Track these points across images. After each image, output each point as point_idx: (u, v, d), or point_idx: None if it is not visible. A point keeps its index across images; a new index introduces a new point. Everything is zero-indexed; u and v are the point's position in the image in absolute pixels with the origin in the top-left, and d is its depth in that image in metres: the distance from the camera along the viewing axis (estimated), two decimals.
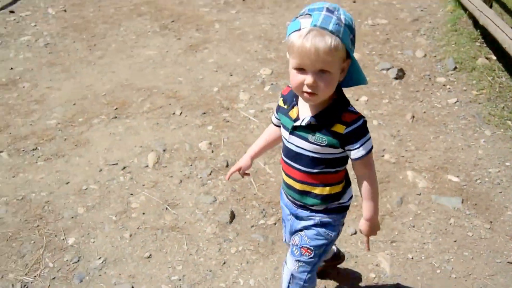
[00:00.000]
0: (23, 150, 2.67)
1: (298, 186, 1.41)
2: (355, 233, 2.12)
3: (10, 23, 4.24)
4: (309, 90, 1.23)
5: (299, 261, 1.52)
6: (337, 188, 1.44)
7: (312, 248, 1.50)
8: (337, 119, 1.30)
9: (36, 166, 2.55)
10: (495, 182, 2.41)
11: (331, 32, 1.16)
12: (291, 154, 1.38)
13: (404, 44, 3.75)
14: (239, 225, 2.19)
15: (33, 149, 2.69)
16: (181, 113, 2.94)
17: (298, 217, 1.50)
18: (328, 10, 1.19)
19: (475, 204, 2.28)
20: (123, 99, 3.13)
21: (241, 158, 1.57)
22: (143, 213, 2.25)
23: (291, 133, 1.35)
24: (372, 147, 1.35)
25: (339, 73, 1.24)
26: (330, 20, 1.17)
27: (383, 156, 2.61)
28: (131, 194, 2.35)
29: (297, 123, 1.33)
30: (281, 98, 1.41)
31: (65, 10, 4.48)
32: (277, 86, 3.23)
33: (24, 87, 3.29)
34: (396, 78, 3.31)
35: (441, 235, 2.13)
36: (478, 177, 2.44)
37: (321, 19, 1.17)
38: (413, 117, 2.90)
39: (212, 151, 2.64)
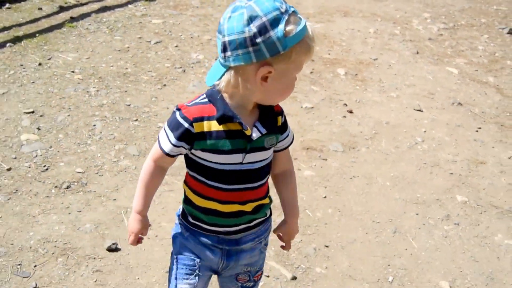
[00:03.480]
0: None
1: (249, 207, 1.40)
2: None
3: None
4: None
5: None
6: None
7: (262, 269, 1.59)
8: (275, 112, 1.38)
9: None
10: None
11: None
12: (248, 176, 1.35)
13: None
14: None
15: None
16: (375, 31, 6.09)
17: (235, 252, 1.47)
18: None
19: None
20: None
21: (132, 222, 1.43)
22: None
23: (248, 151, 1.32)
24: None
25: None
26: None
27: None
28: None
29: (256, 136, 1.30)
30: (202, 122, 1.28)
31: None
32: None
33: None
34: (508, 33, 6.29)
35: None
36: None
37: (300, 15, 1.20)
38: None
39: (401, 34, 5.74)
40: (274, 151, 1.45)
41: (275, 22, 1.16)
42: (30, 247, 2.38)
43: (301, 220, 2.73)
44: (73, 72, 3.88)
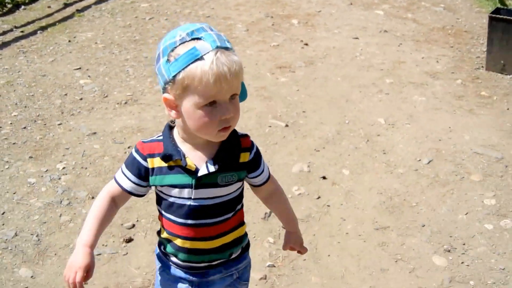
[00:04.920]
0: None
1: (215, 243, 1.44)
2: None
3: None
4: (227, 125, 1.27)
5: None
6: (244, 224, 1.54)
7: None
8: (240, 148, 1.40)
9: None
10: None
11: (231, 49, 1.23)
12: (202, 212, 1.39)
13: None
14: None
15: None
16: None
17: (206, 284, 1.53)
18: (210, 28, 1.25)
19: None
20: None
21: (79, 256, 1.29)
22: None
23: (196, 187, 1.36)
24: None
25: None
26: (222, 37, 1.24)
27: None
28: None
29: (202, 173, 1.34)
30: (153, 159, 1.37)
31: None
32: None
33: None
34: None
35: None
36: None
37: (217, 39, 1.21)
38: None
39: None
40: (254, 186, 1.53)
41: (165, 51, 1.23)
42: (117, 131, 3.92)
43: (285, 104, 4.37)
44: (96, 43, 5.41)
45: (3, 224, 2.93)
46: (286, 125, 3.99)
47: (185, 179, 1.37)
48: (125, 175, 1.42)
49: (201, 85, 1.20)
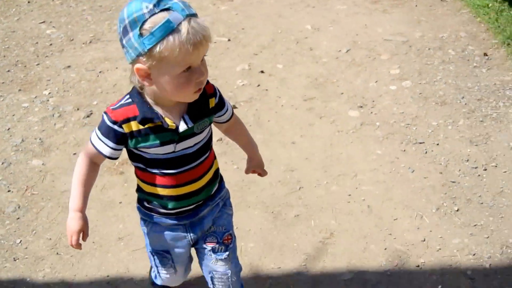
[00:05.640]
0: None
1: (200, 183, 1.59)
2: None
3: None
4: (201, 86, 1.39)
5: (228, 255, 1.72)
6: (216, 157, 1.70)
7: (230, 231, 1.74)
8: (206, 96, 1.52)
9: None
10: None
11: (197, 14, 1.31)
12: (185, 160, 1.53)
13: None
14: None
15: None
16: None
17: (198, 221, 1.68)
18: None
19: None
20: None
21: (73, 221, 1.46)
22: None
23: (178, 141, 1.48)
24: None
25: None
26: (186, 4, 1.30)
27: None
28: None
29: (182, 129, 1.46)
30: (129, 123, 1.44)
31: None
32: None
33: None
34: None
35: None
36: None
37: (184, 7, 1.28)
38: None
39: None
40: (218, 123, 1.67)
41: (134, 24, 1.27)
42: (87, 62, 4.73)
43: (227, 25, 5.24)
44: (53, 1, 6.15)
45: (10, 136, 3.77)
46: (229, 40, 4.87)
47: (167, 137, 1.47)
48: (104, 142, 1.48)
49: (180, 54, 1.27)
